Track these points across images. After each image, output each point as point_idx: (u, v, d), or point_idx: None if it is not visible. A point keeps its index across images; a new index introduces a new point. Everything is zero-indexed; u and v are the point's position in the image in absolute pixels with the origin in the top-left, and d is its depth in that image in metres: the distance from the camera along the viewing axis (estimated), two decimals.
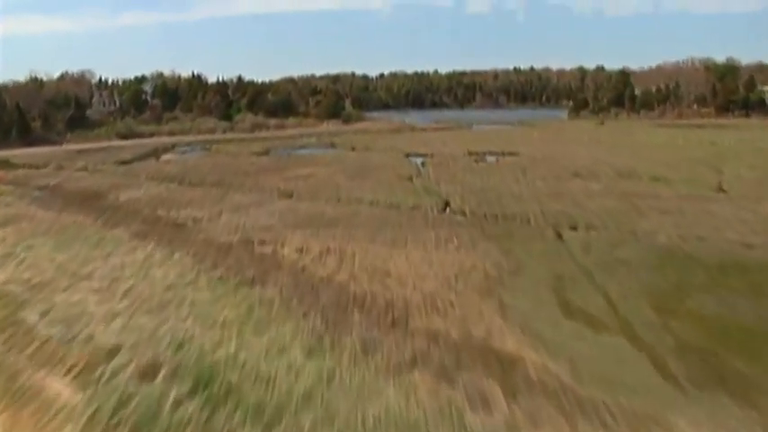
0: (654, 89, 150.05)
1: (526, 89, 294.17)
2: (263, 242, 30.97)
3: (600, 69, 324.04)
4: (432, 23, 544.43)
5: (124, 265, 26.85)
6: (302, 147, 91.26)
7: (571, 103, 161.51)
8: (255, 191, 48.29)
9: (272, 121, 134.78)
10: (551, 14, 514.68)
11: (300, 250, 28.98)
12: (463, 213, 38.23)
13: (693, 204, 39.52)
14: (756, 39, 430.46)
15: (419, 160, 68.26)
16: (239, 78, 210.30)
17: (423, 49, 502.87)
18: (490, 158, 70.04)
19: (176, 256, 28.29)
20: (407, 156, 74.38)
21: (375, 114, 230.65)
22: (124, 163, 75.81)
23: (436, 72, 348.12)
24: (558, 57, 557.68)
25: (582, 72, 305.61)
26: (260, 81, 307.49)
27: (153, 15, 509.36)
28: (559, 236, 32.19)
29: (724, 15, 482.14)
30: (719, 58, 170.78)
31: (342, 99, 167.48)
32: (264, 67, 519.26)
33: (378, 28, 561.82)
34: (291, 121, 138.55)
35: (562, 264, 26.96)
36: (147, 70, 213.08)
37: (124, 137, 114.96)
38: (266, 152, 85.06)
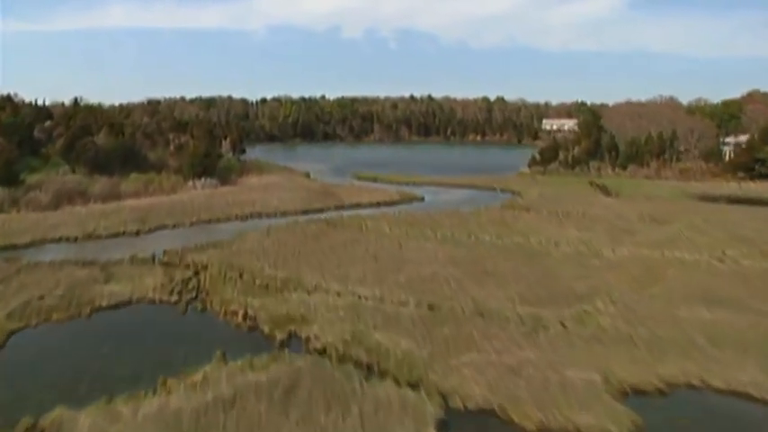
0: (643, 138, 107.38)
1: (429, 120, 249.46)
2: None
3: (500, 100, 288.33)
4: (307, 47, 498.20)
5: None
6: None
7: (536, 153, 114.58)
8: None
9: (101, 183, 76.07)
10: (420, 43, 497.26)
11: None
12: None
13: None
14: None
15: None
16: (75, 102, 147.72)
17: (302, 73, 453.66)
18: None
19: None
20: None
21: (259, 152, 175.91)
22: None
23: (324, 98, 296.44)
24: (431, 84, 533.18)
25: (488, 103, 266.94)
26: (117, 104, 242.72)
27: (10, 23, 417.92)
28: None
29: (569, 53, 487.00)
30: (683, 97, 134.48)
31: (217, 139, 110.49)
32: (126, 88, 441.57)
33: (254, 50, 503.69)
34: (134, 180, 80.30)
35: None
36: None
37: None
38: None
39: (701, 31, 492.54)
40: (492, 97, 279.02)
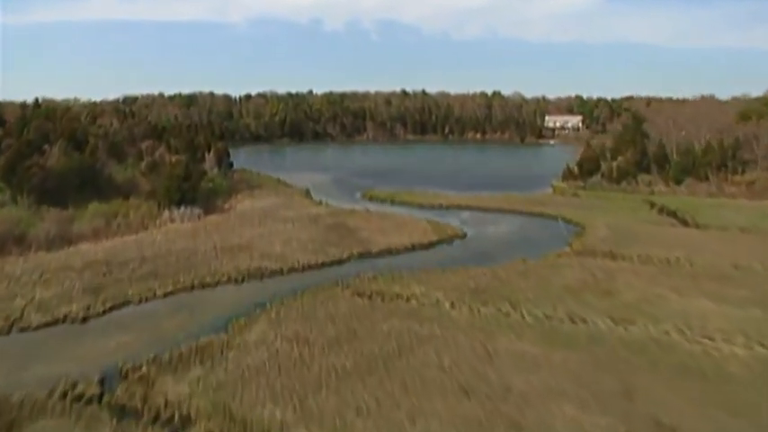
0: (700, 146, 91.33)
1: (425, 118, 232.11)
2: None
3: (499, 95, 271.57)
4: (290, 40, 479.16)
5: None
6: None
7: (573, 164, 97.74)
8: None
9: (48, 220, 57.86)
10: (402, 35, 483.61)
11: None
12: None
13: None
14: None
15: None
16: (36, 104, 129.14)
17: (286, 68, 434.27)
18: None
19: None
20: None
21: (244, 156, 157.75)
22: None
23: (311, 93, 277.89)
24: (420, 78, 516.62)
25: (486, 99, 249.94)
26: (91, 100, 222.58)
27: None
28: None
29: (548, 44, 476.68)
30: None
31: (199, 150, 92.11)
32: (101, 84, 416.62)
33: (236, 43, 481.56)
34: (92, 213, 62.03)
35: None
36: None
37: None
38: None
39: (681, 23, 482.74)
40: (487, 91, 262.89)
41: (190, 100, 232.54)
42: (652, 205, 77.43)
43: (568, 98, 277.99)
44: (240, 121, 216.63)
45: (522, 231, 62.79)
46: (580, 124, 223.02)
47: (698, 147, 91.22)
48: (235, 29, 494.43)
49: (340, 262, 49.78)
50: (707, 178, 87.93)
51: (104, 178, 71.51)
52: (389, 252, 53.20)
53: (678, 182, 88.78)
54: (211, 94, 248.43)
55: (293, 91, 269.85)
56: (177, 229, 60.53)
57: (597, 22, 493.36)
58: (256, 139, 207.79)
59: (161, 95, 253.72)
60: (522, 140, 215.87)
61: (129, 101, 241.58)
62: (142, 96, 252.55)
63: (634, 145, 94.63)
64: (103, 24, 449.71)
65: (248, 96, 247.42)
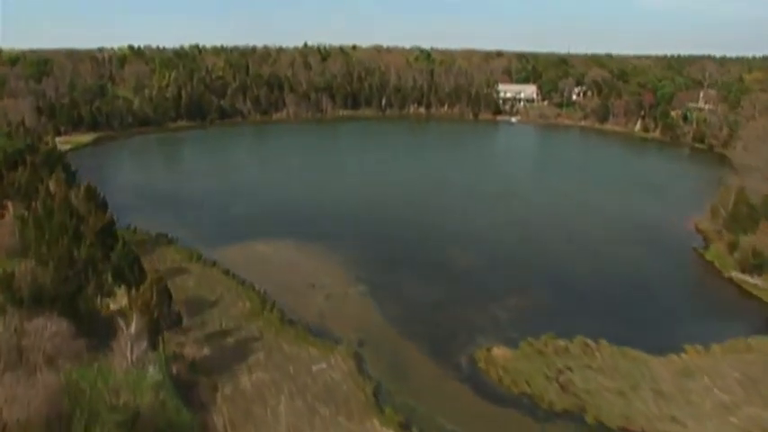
0: None
1: (356, 88, 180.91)
2: None
3: (428, 54, 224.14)
4: None
5: None
6: None
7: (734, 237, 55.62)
8: None
9: None
10: None
11: None
12: None
13: None
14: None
15: None
16: None
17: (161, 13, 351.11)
18: None
19: None
20: None
21: (130, 166, 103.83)
22: None
23: (200, 50, 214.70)
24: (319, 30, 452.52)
25: (427, 63, 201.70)
26: None
27: None
28: None
29: None
30: None
31: (92, 271, 39.06)
32: None
33: None
34: None
35: None
36: None
37: None
38: None
39: None
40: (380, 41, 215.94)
41: (41, 66, 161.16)
42: None
43: (486, 52, 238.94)
44: (117, 99, 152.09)
45: None
46: (535, 95, 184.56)
47: None
48: None
49: None
50: None
51: None
52: None
53: None
54: (71, 54, 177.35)
55: (176, 44, 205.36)
56: None
57: None
58: (142, 123, 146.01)
59: None
60: (476, 116, 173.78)
61: None
62: None
63: None
64: None
65: (122, 59, 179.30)
